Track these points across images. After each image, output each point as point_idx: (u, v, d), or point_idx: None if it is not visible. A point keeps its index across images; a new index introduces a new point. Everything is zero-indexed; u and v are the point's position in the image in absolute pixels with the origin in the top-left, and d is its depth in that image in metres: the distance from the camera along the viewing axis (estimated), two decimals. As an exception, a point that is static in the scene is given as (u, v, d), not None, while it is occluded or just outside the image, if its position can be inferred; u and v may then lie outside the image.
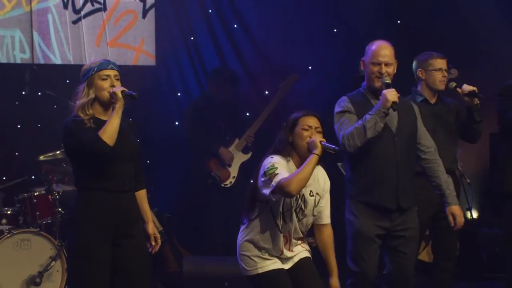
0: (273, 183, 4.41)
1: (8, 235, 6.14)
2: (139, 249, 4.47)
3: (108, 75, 4.37)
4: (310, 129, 4.60)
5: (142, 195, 4.62)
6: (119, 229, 4.35)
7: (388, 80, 4.94)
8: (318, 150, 4.47)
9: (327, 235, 4.82)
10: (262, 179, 4.48)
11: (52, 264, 6.24)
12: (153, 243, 4.59)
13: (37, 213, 6.49)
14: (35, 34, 7.63)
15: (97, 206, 4.31)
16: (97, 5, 7.82)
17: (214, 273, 6.60)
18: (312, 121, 4.64)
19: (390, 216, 4.99)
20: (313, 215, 4.72)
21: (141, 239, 4.51)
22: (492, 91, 5.82)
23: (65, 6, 7.72)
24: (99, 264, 4.30)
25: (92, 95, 4.36)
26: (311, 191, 4.68)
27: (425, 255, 7.06)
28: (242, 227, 4.73)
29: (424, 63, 5.80)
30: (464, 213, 7.03)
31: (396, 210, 4.98)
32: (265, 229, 4.63)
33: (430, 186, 5.18)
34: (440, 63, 5.76)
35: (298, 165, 4.59)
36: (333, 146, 4.49)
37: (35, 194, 6.55)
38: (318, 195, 4.71)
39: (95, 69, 4.37)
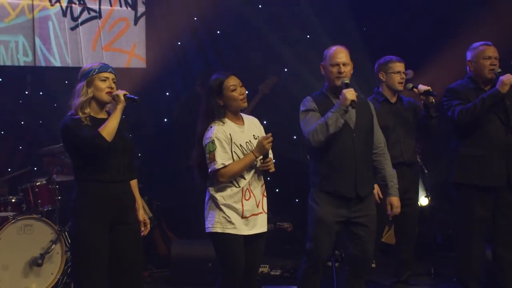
0: (211, 167, 4.59)
1: (13, 221, 6.17)
2: (134, 234, 4.51)
3: (107, 77, 4.42)
4: (236, 87, 4.68)
5: (133, 185, 4.65)
6: (115, 216, 4.39)
7: (347, 81, 4.97)
8: (258, 154, 4.61)
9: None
10: (206, 155, 4.62)
11: (52, 247, 6.27)
12: (143, 228, 4.64)
13: (39, 201, 6.51)
14: (37, 39, 7.65)
15: (95, 196, 4.35)
16: (93, 13, 7.85)
17: (199, 255, 6.63)
18: (234, 81, 4.70)
19: (349, 204, 5.02)
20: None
21: (135, 225, 4.56)
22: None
23: (64, 14, 7.74)
24: (98, 249, 4.34)
25: (90, 94, 4.38)
26: (253, 134, 4.76)
27: (389, 238, 7.14)
28: (207, 190, 4.74)
29: (384, 67, 5.88)
30: (419, 200, 7.19)
31: (354, 198, 5.01)
32: (223, 188, 4.67)
33: (377, 176, 5.24)
34: (398, 66, 5.86)
35: (234, 119, 4.71)
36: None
37: (37, 184, 6.57)
38: (259, 137, 4.75)
39: (96, 70, 4.41)
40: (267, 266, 7.09)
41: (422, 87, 5.76)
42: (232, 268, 4.67)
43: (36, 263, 6.22)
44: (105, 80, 4.41)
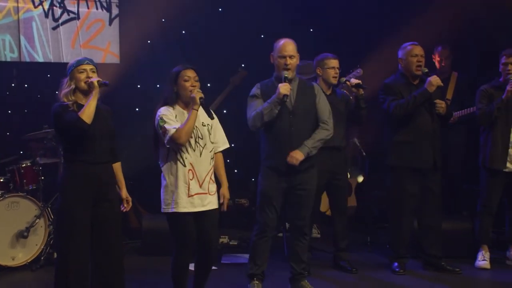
0: (167, 136, 4.48)
1: (1, 199, 6.17)
2: (114, 209, 4.56)
3: (84, 69, 4.46)
4: (189, 79, 4.60)
5: (117, 167, 4.72)
6: (98, 193, 4.44)
7: (286, 75, 5.05)
8: (196, 106, 4.51)
9: (219, 160, 4.82)
10: (160, 132, 4.55)
11: (36, 221, 6.26)
12: (126, 205, 4.70)
13: (24, 180, 6.48)
14: (22, 37, 7.59)
15: (80, 175, 4.40)
16: (72, 15, 7.80)
17: (167, 228, 6.51)
18: (191, 73, 4.62)
19: (288, 177, 5.11)
20: (212, 142, 4.72)
21: (115, 202, 4.60)
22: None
23: (46, 16, 7.69)
24: (81, 222, 4.39)
25: (72, 86, 4.45)
26: (202, 122, 4.68)
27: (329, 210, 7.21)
28: (162, 172, 4.68)
29: (320, 63, 5.92)
30: (357, 178, 7.24)
31: (293, 172, 5.10)
32: (172, 166, 4.59)
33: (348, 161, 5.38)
34: (333, 62, 5.89)
35: (183, 108, 4.63)
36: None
37: (23, 165, 6.54)
38: (209, 125, 4.72)
39: (75, 64, 4.47)
40: (226, 237, 7.14)
41: (353, 81, 5.86)
42: (183, 243, 4.63)
43: (22, 235, 6.21)
44: (83, 72, 4.46)
